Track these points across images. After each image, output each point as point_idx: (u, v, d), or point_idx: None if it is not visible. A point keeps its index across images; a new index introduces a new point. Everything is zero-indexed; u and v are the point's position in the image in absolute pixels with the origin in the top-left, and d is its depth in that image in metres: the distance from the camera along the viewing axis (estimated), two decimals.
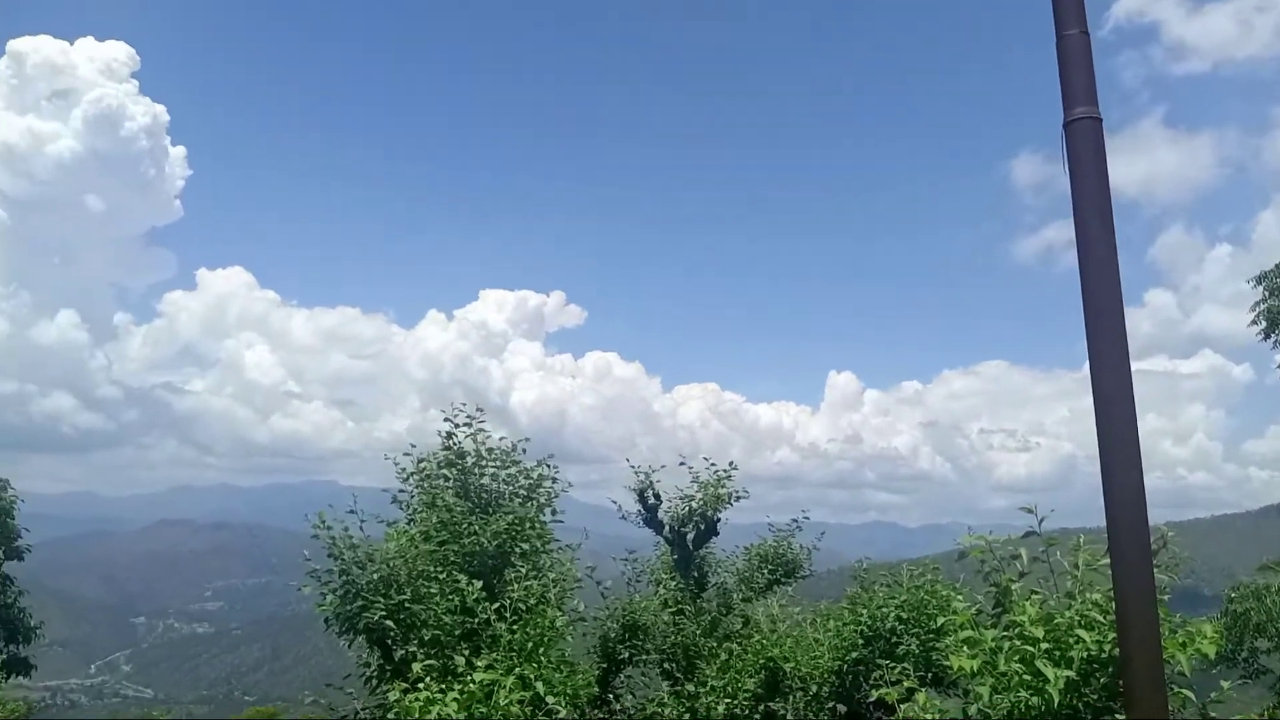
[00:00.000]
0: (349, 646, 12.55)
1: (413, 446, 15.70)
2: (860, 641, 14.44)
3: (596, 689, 14.52)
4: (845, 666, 14.51)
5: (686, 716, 14.21)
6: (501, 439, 16.05)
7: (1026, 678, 7.58)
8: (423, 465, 15.45)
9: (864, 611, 14.71)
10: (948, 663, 8.35)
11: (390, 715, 10.18)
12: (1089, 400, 5.37)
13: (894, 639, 14.19)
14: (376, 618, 11.82)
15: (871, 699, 12.53)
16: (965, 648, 8.04)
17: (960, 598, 13.70)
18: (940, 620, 11.58)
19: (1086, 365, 5.40)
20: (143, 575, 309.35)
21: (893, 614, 14.35)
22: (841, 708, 14.53)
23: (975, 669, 7.74)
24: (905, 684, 8.75)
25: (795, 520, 18.19)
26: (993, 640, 7.93)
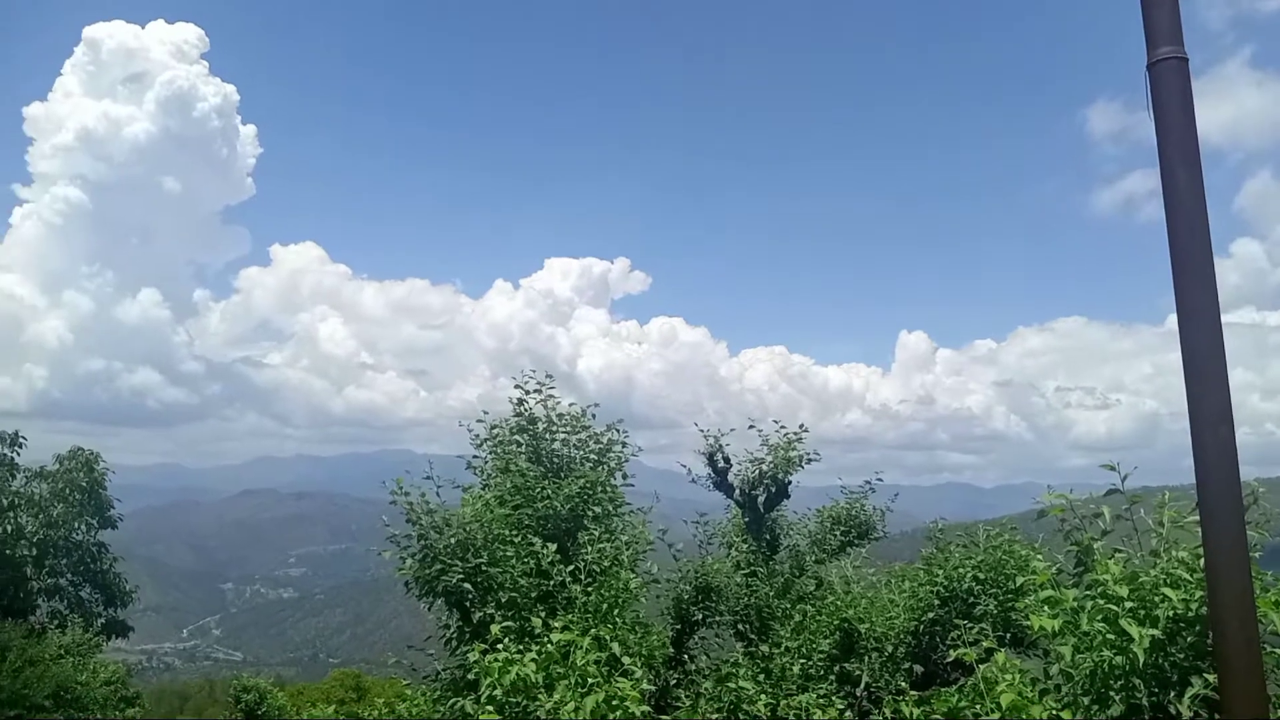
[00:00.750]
0: (428, 609, 12.84)
1: (485, 413, 15.94)
2: (936, 602, 14.30)
3: (671, 650, 14.66)
4: (921, 627, 14.40)
5: (761, 677, 14.25)
6: (571, 405, 16.20)
7: (1110, 637, 7.43)
8: (495, 431, 15.67)
9: (940, 572, 14.56)
10: (1027, 623, 8.20)
11: (471, 675, 10.40)
12: (1174, 355, 5.21)
13: (971, 599, 14.03)
14: (455, 581, 12.06)
15: (949, 659, 12.42)
16: (1045, 607, 7.90)
17: (1040, 557, 13.48)
18: (1019, 580, 11.40)
19: (1171, 319, 5.23)
20: (229, 543, 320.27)
21: (970, 574, 14.17)
22: (918, 668, 14.44)
23: (1056, 629, 7.60)
24: (984, 644, 8.65)
25: (868, 482, 18.04)
26: (1074, 600, 7.78)
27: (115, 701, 22.86)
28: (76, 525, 26.25)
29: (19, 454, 27.41)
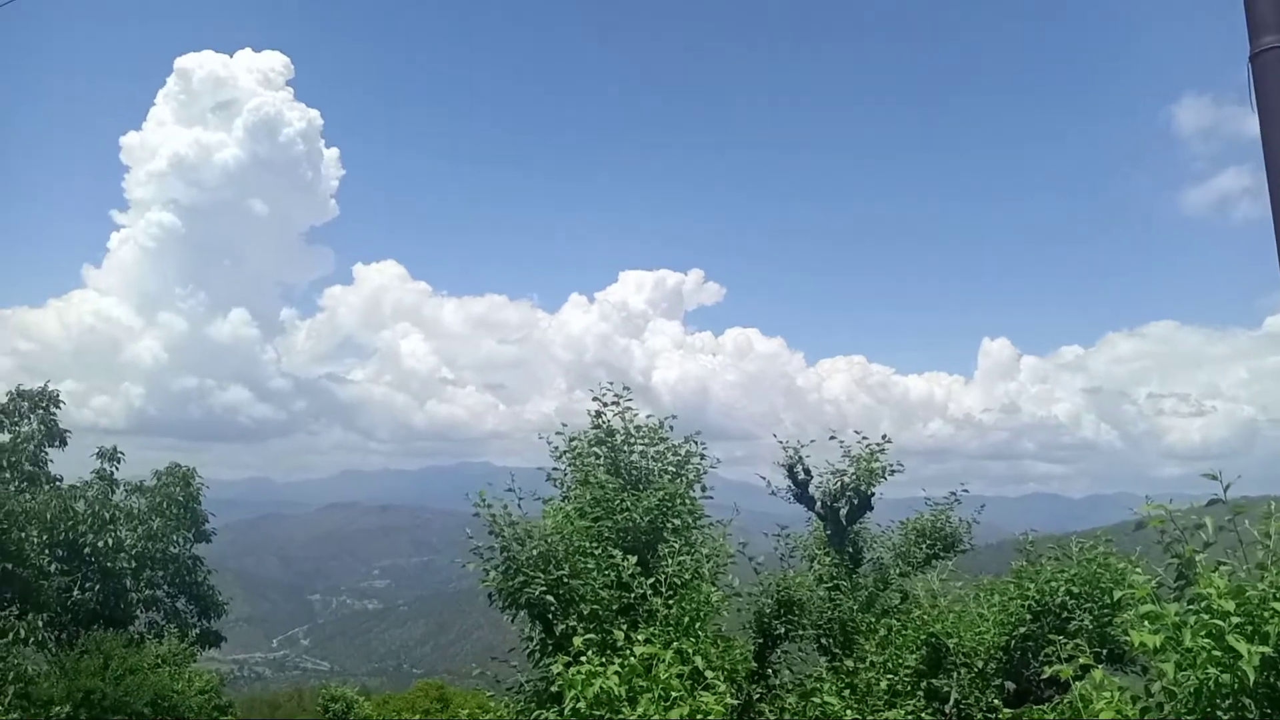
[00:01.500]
0: (511, 621, 12.93)
1: (564, 426, 16.00)
2: (1028, 617, 13.89)
3: (754, 664, 14.52)
4: (1013, 642, 14.00)
5: (846, 692, 14.01)
6: (648, 417, 16.19)
7: (1216, 654, 7.08)
8: (574, 444, 15.72)
9: (1031, 585, 14.14)
10: (1125, 639, 7.91)
11: (554, 688, 10.43)
12: (1274, 359, 4.94)
13: (1065, 614, 13.60)
14: (537, 593, 12.12)
15: (1043, 676, 12.04)
16: (1146, 623, 7.58)
17: (1138, 570, 13.01)
18: (1116, 594, 10.99)
19: (1270, 321, 4.99)
20: (316, 555, 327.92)
21: (1063, 588, 13.73)
22: (1010, 685, 14.04)
23: (1158, 645, 7.28)
24: (1080, 660, 8.35)
25: (953, 493, 17.66)
26: (1176, 615, 7.45)
27: (209, 709, 23.52)
28: (173, 538, 27.11)
29: (118, 469, 28.50)
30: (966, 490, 17.82)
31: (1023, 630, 13.90)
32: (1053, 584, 13.94)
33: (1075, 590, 13.70)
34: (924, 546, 17.22)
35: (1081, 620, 13.36)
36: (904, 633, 15.04)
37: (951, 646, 14.38)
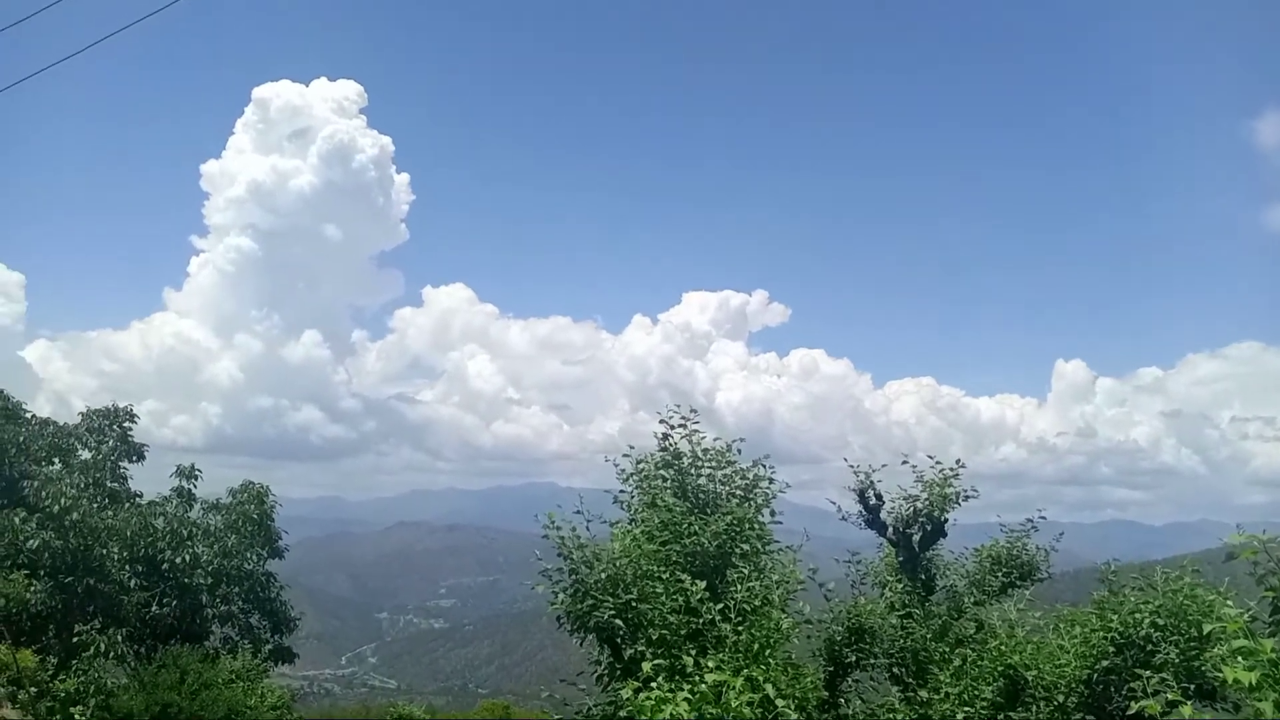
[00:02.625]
0: (579, 645, 12.88)
1: (631, 448, 15.96)
2: (1111, 649, 13.41)
3: (825, 692, 14.24)
4: (1095, 676, 13.51)
5: None
6: (716, 440, 16.05)
7: None
8: (641, 466, 15.66)
9: (1114, 617, 13.66)
10: (1216, 674, 7.57)
11: (623, 713, 10.34)
12: None
13: (1150, 647, 13.10)
14: (606, 617, 12.07)
15: (1129, 711, 11.58)
16: (1239, 659, 7.25)
17: (1229, 603, 12.49)
18: (1206, 627, 10.54)
19: None
20: (384, 573, 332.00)
21: (1148, 620, 13.24)
22: (1091, 719, 13.56)
23: (1254, 683, 6.95)
24: (1167, 696, 8.00)
25: (1030, 520, 17.17)
26: (1273, 651, 7.12)
27: None
28: (248, 555, 27.62)
29: (196, 486, 29.20)
30: (1044, 517, 17.33)
31: (1105, 663, 13.42)
32: (1137, 615, 13.46)
33: (1161, 622, 13.20)
34: (999, 574, 16.76)
35: (1168, 654, 12.86)
36: (980, 663, 14.63)
37: (1030, 679, 13.95)
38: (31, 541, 22.91)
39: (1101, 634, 13.63)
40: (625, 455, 15.81)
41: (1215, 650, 8.58)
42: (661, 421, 15.91)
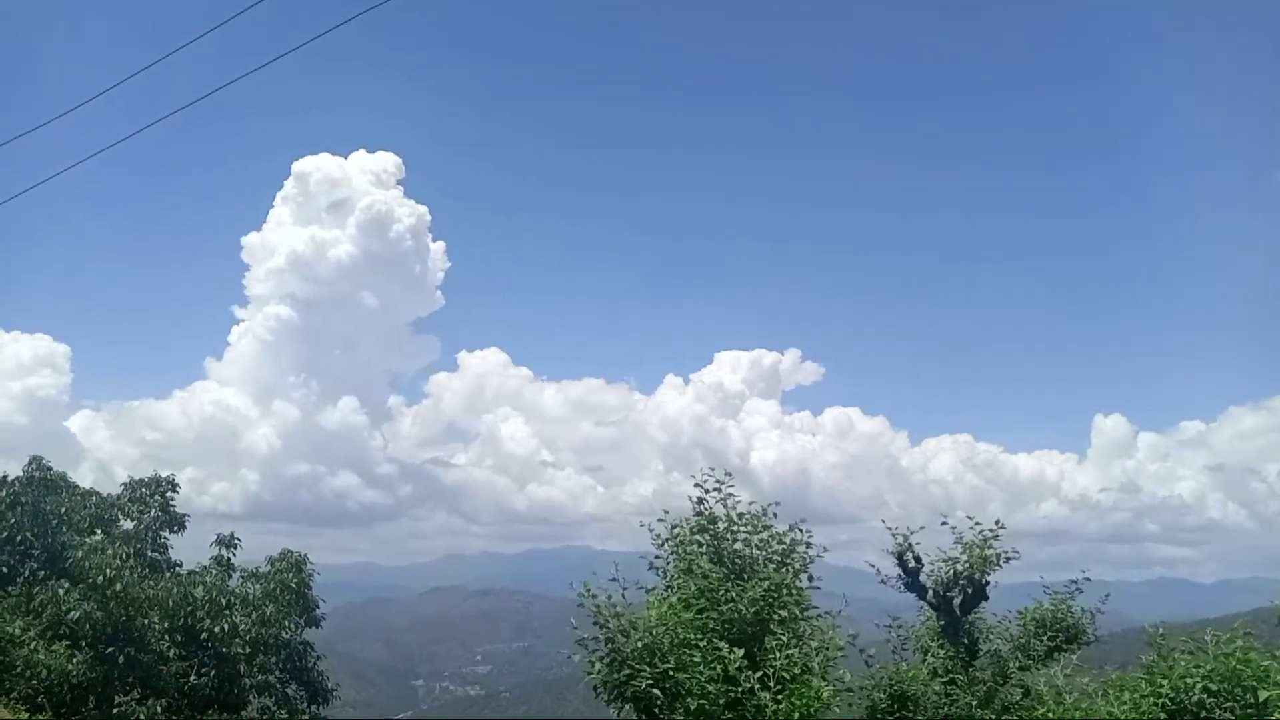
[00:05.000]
0: (617, 714, 12.74)
1: (666, 512, 15.93)
2: (1163, 716, 13.04)
3: None
4: None
5: None
6: (751, 504, 15.99)
7: None
8: (676, 531, 15.61)
9: (1164, 682, 13.30)
10: None
11: None
12: None
13: (1204, 713, 12.72)
14: (643, 686, 11.95)
15: None
16: None
17: None
18: (1262, 694, 10.24)
19: None
20: (420, 640, 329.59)
21: (1199, 685, 12.88)
22: None
23: None
24: None
25: (1074, 581, 16.83)
26: None
27: None
28: (285, 624, 27.57)
29: (235, 554, 29.36)
30: (1088, 578, 16.97)
31: None
32: (1188, 680, 13.11)
33: (1214, 688, 12.85)
34: (1045, 638, 16.38)
35: None
36: None
37: None
38: (74, 613, 23.09)
39: (1152, 700, 13.28)
40: (660, 520, 15.78)
41: (1273, 717, 8.33)
42: (696, 485, 15.90)
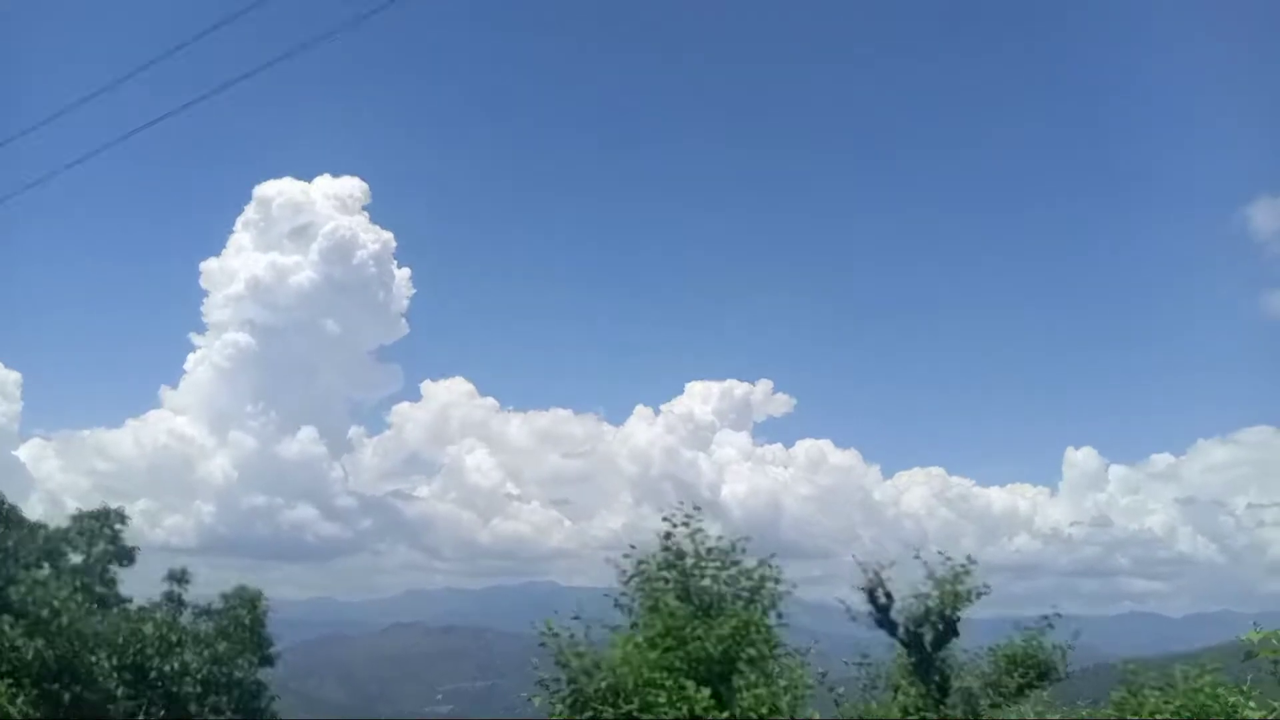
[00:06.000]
0: None
1: (632, 548, 15.60)
2: None
3: None
4: None
5: None
6: (719, 538, 15.72)
7: None
8: (642, 567, 15.29)
9: (1134, 718, 13.17)
10: None
11: None
12: None
13: None
14: None
15: None
16: None
17: (1251, 704, 12.04)
18: None
19: None
20: (379, 678, 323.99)
21: None
22: None
23: None
24: None
25: (1045, 617, 16.70)
26: None
27: None
28: (239, 662, 26.94)
29: (187, 590, 28.69)
30: (1059, 614, 16.85)
31: None
32: (1158, 716, 13.00)
33: None
34: (1016, 675, 16.20)
35: None
36: None
37: None
38: (16, 651, 22.29)
39: None
40: (626, 555, 15.45)
41: None
42: (665, 519, 15.61)
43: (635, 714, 11.79)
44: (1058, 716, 15.49)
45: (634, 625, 14.15)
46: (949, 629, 16.40)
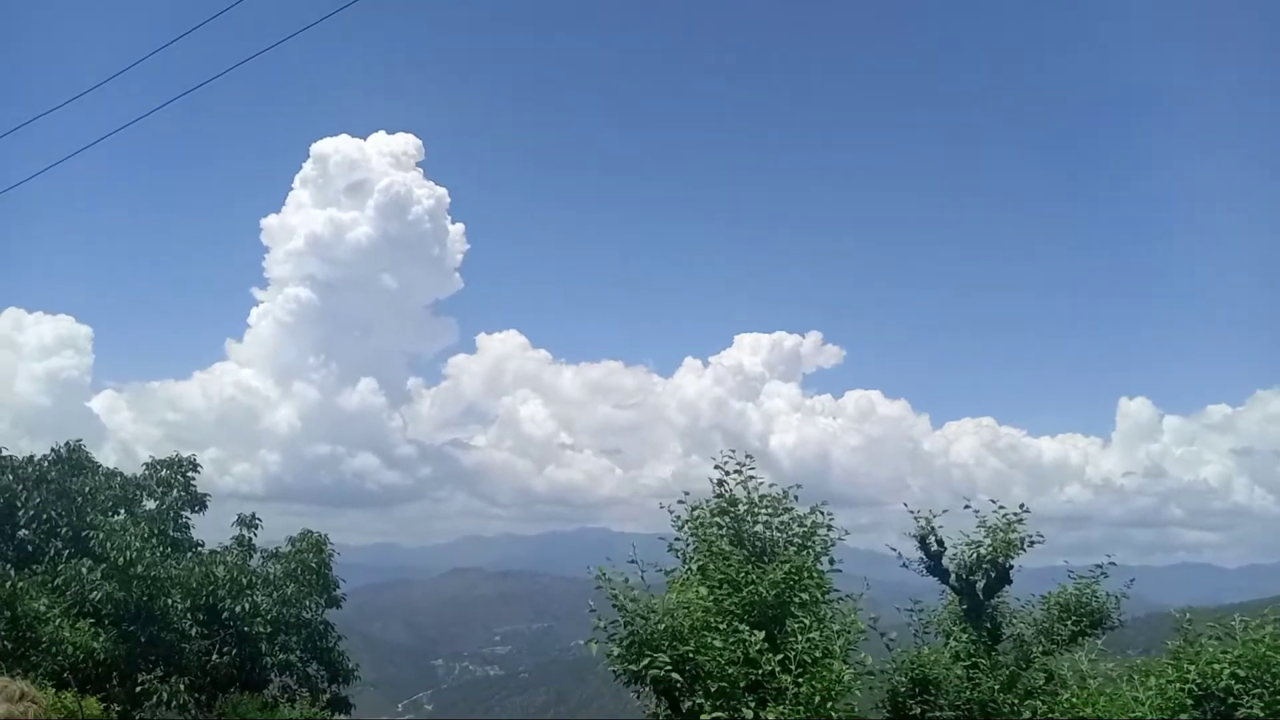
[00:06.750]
0: (637, 697, 12.69)
1: (686, 494, 15.80)
2: (1189, 702, 12.86)
3: None
4: None
5: None
6: (772, 486, 15.85)
7: None
8: (696, 513, 15.49)
9: (1191, 668, 13.12)
10: None
11: None
12: None
13: (1232, 700, 12.54)
14: (663, 670, 11.88)
15: None
16: None
17: None
18: None
19: None
20: (439, 620, 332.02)
21: (1227, 671, 12.69)
22: None
23: None
24: None
25: (1099, 566, 16.64)
26: None
27: None
28: (306, 604, 27.71)
29: (256, 535, 29.50)
30: (1113, 563, 16.78)
31: (1184, 717, 12.88)
32: (1216, 666, 12.93)
33: (1242, 674, 12.66)
34: (1069, 623, 16.21)
35: (1251, 708, 12.32)
36: (1050, 716, 14.16)
37: None
38: (95, 591, 23.25)
39: (1179, 686, 13.10)
40: (680, 502, 15.66)
41: None
42: (716, 467, 15.78)
43: (690, 656, 12.05)
44: (1111, 664, 15.49)
45: (688, 570, 14.39)
46: (1001, 576, 16.45)
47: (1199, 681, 12.86)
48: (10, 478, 26.63)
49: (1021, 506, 16.49)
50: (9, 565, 24.14)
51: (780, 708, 11.62)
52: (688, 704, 11.96)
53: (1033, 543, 16.28)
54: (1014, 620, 16.74)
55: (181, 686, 23.50)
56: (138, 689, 23.62)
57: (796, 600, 13.70)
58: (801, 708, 11.82)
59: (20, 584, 22.32)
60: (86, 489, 27.05)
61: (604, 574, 12.72)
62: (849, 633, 13.84)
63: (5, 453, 27.60)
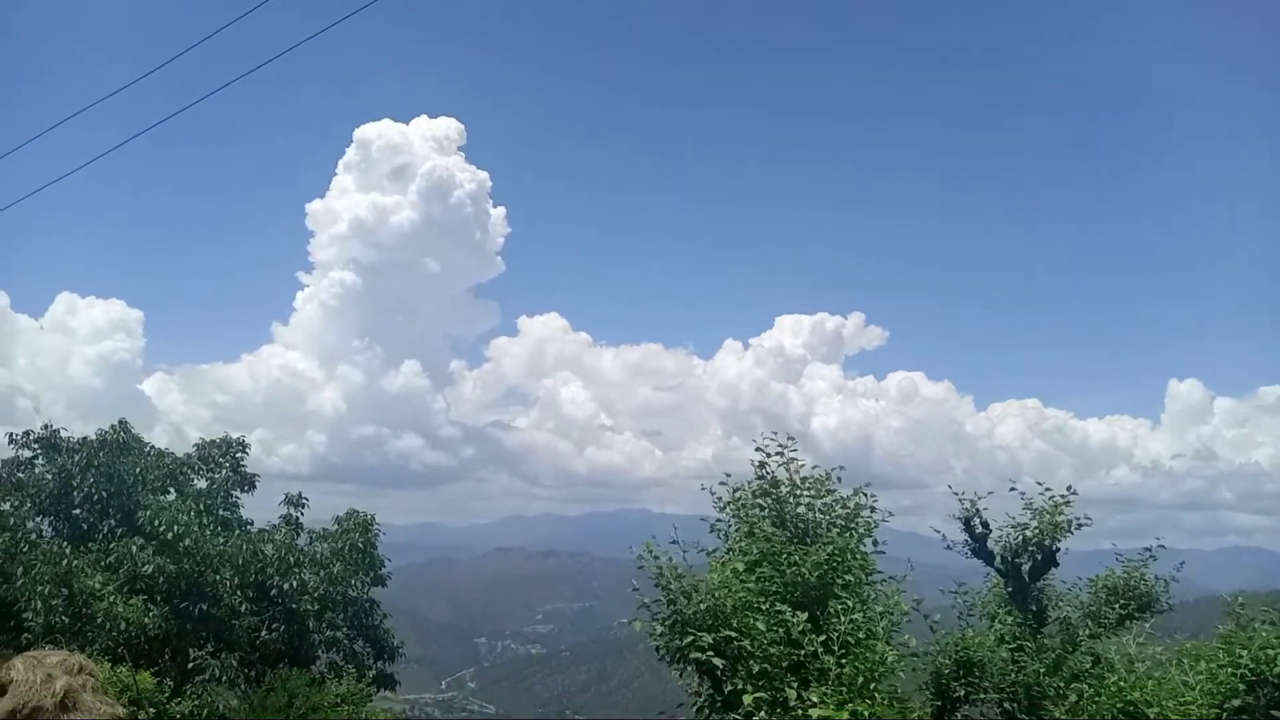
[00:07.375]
0: (679, 676, 12.72)
1: (728, 475, 15.80)
2: (1242, 687, 12.65)
3: None
4: (1225, 715, 12.76)
5: None
6: (814, 468, 15.79)
7: None
8: (738, 494, 15.49)
9: (1244, 653, 12.90)
10: None
11: None
12: None
13: None
14: (706, 653, 11.89)
15: None
16: None
17: None
18: None
19: None
20: (482, 599, 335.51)
21: None
22: None
23: None
24: None
25: (1148, 549, 16.40)
26: None
27: None
28: (353, 582, 28.12)
29: (303, 514, 29.98)
30: (1163, 546, 16.52)
31: (1236, 702, 12.68)
32: (1269, 651, 12.71)
33: None
34: (1117, 606, 16.01)
35: None
36: (1097, 699, 13.98)
37: (1153, 716, 13.25)
38: (147, 567, 23.76)
39: (1230, 670, 12.89)
40: (722, 483, 15.66)
41: None
42: (758, 449, 15.74)
43: (733, 636, 12.05)
44: (1159, 648, 15.28)
45: (730, 551, 14.38)
46: (1047, 559, 16.26)
47: (1252, 666, 12.65)
48: (65, 459, 27.31)
49: (1069, 488, 16.28)
50: (65, 544, 24.76)
51: (823, 689, 11.59)
52: (730, 685, 11.97)
53: (1080, 525, 16.06)
54: (1060, 603, 16.56)
55: (232, 662, 23.99)
56: (189, 664, 24.16)
57: (839, 581, 13.64)
58: (844, 689, 11.77)
59: (75, 562, 22.91)
60: (137, 469, 27.62)
61: (650, 550, 12.74)
62: (892, 614, 13.76)
63: (62, 434, 28.33)
